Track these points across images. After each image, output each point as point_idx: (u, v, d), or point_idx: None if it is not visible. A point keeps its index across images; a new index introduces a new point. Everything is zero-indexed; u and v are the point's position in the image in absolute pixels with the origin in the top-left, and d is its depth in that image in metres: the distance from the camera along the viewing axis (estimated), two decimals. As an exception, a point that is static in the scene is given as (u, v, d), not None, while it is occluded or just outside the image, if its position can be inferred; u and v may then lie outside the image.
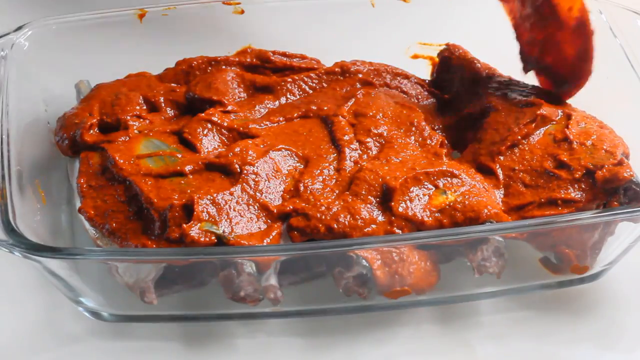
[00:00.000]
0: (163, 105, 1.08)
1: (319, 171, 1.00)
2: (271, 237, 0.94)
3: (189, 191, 0.95)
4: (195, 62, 1.12)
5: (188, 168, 0.98)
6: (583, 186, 0.99)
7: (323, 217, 0.94)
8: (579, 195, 0.98)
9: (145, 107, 1.08)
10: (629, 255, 1.01)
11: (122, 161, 0.99)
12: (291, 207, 0.96)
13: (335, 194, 0.97)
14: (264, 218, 0.96)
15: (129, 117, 1.05)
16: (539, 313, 1.00)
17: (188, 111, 1.08)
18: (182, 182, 0.97)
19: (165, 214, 0.94)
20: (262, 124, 1.05)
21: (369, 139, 1.03)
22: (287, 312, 0.98)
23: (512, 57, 1.11)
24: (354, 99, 1.08)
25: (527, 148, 1.02)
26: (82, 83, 1.12)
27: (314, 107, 1.07)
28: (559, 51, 1.07)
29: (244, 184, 0.97)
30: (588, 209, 0.98)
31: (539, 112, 1.04)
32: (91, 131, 1.04)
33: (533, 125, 1.03)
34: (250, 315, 0.98)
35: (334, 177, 0.99)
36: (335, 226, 0.94)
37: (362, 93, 1.09)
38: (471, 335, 0.98)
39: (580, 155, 1.00)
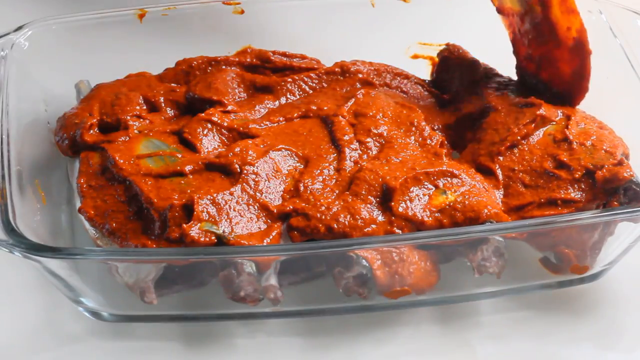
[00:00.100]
0: (163, 105, 1.08)
1: (319, 171, 1.00)
2: (271, 237, 0.94)
3: (189, 191, 0.95)
4: (195, 62, 1.12)
5: (188, 168, 0.98)
6: (583, 186, 0.99)
7: (323, 217, 0.94)
8: (579, 196, 0.98)
9: (145, 107, 1.08)
10: (629, 255, 1.01)
11: (122, 161, 0.99)
12: (291, 207, 0.96)
13: (335, 194, 0.97)
14: (264, 218, 0.96)
15: (129, 117, 1.05)
16: (539, 313, 1.00)
17: (188, 111, 1.08)
18: (182, 182, 0.97)
19: (165, 214, 0.94)
20: (262, 124, 1.05)
21: (369, 139, 1.03)
22: (287, 312, 0.98)
23: (512, 58, 1.11)
24: (354, 99, 1.08)
25: (526, 148, 1.02)
26: (82, 83, 1.12)
27: (314, 107, 1.07)
28: (555, 68, 1.07)
29: (244, 184, 0.97)
30: (588, 209, 0.98)
31: (538, 112, 1.04)
32: (91, 131, 1.04)
33: (533, 125, 1.03)
34: (250, 315, 0.98)
35: (334, 177, 0.99)
36: (335, 226, 0.94)
37: (362, 93, 1.09)
38: (471, 335, 0.98)
39: (580, 155, 1.00)
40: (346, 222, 0.94)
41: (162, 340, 0.97)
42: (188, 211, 0.93)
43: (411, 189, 0.97)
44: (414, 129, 1.05)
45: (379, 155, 1.02)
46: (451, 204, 0.96)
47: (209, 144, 1.03)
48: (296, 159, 1.01)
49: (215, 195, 0.95)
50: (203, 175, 0.98)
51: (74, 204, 1.01)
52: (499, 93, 1.08)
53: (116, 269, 0.94)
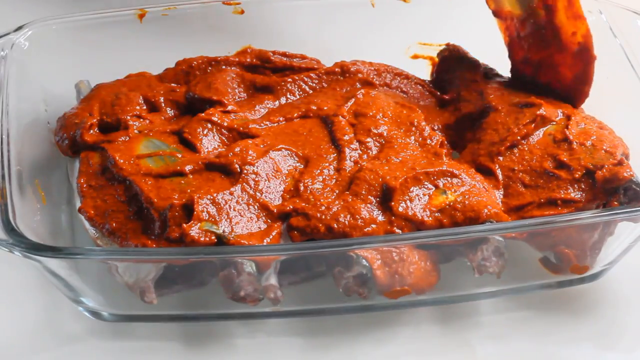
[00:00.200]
0: (163, 105, 1.08)
1: (319, 171, 1.00)
2: (271, 236, 0.94)
3: (189, 191, 0.95)
4: (195, 62, 1.12)
5: (188, 168, 0.98)
6: (583, 186, 0.99)
7: (323, 217, 0.94)
8: (579, 196, 0.98)
9: (145, 107, 1.08)
10: (629, 255, 1.00)
11: (122, 161, 0.99)
12: (291, 207, 0.96)
13: (335, 193, 0.97)
14: (264, 218, 0.96)
15: (129, 117, 1.05)
16: (539, 313, 1.00)
17: (188, 111, 1.08)
18: (182, 182, 0.97)
19: (165, 213, 0.94)
20: (262, 124, 1.05)
21: (369, 139, 1.03)
22: (287, 312, 0.98)
23: (512, 57, 1.11)
24: (354, 99, 1.08)
25: (526, 148, 1.02)
26: (82, 83, 1.12)
27: (314, 107, 1.07)
28: (555, 72, 1.07)
29: (244, 183, 0.97)
30: (588, 209, 0.98)
31: (538, 112, 1.04)
32: (91, 131, 1.04)
33: (533, 125, 1.03)
34: (250, 315, 0.98)
35: (334, 177, 0.99)
36: (335, 226, 0.94)
37: (362, 93, 1.09)
38: (471, 335, 0.98)
39: (580, 155, 1.00)
40: (346, 222, 0.94)
41: (162, 340, 0.97)
42: (188, 211, 0.93)
43: (411, 189, 0.97)
44: (414, 129, 1.05)
45: (379, 155, 1.02)
46: (451, 203, 0.96)
47: (209, 144, 1.03)
48: (296, 158, 1.01)
49: (215, 195, 0.95)
50: (203, 175, 0.98)
51: (74, 204, 1.01)
52: (499, 93, 1.08)
53: (116, 268, 0.94)
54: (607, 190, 0.98)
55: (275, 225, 0.95)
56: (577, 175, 0.99)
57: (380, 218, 0.95)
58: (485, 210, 0.95)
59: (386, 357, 0.97)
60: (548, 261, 1.01)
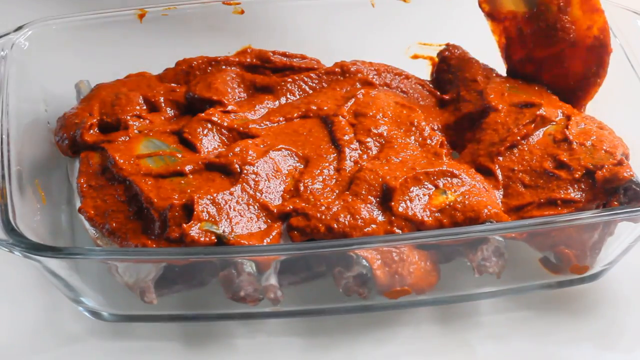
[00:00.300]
0: (163, 105, 1.08)
1: (319, 171, 1.00)
2: (271, 237, 0.94)
3: (189, 191, 0.95)
4: (195, 62, 1.12)
5: (188, 168, 0.98)
6: (583, 186, 0.99)
7: (323, 217, 0.94)
8: (579, 196, 0.98)
9: (145, 107, 1.08)
10: (629, 255, 1.00)
11: (122, 161, 0.99)
12: (291, 207, 0.96)
13: (335, 193, 0.97)
14: (264, 218, 0.96)
15: (129, 117, 1.05)
16: (539, 313, 1.00)
17: (188, 111, 1.08)
18: (182, 182, 0.97)
19: (165, 213, 0.94)
20: (262, 124, 1.05)
21: (369, 139, 1.03)
22: (287, 312, 0.98)
23: (512, 57, 1.11)
24: (354, 99, 1.08)
25: (526, 148, 1.02)
26: (82, 83, 1.12)
27: (314, 107, 1.07)
28: (563, 69, 1.07)
29: (244, 183, 0.97)
30: (588, 209, 0.98)
31: (538, 112, 1.04)
32: (91, 131, 1.04)
33: (532, 125, 1.03)
34: (250, 315, 0.97)
35: (334, 177, 0.99)
36: (335, 226, 0.94)
37: (362, 93, 1.09)
38: (471, 335, 0.98)
39: (580, 155, 1.00)
40: (346, 222, 0.94)
41: (162, 340, 0.97)
42: (188, 211, 0.93)
43: (411, 189, 0.97)
44: (414, 129, 1.05)
45: (379, 155, 1.02)
46: (451, 203, 0.96)
47: (209, 144, 1.03)
48: (296, 158, 1.01)
49: (215, 195, 0.95)
50: (203, 175, 0.98)
51: (74, 204, 1.01)
52: (499, 93, 1.08)
53: (116, 268, 0.94)
54: (607, 190, 0.98)
55: (275, 226, 0.95)
56: (577, 176, 0.99)
57: (380, 218, 0.95)
58: (485, 210, 0.95)
59: (386, 357, 0.97)
60: (548, 261, 1.01)
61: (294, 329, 0.98)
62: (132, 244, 0.94)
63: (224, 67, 1.12)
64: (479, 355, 0.97)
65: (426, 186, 0.98)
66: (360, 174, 0.98)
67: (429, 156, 1.02)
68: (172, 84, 1.11)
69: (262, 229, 0.95)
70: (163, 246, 0.92)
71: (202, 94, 1.08)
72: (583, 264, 0.99)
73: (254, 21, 1.19)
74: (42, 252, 0.90)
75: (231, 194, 0.96)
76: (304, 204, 0.96)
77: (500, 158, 1.02)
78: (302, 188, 0.98)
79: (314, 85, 1.11)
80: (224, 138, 1.03)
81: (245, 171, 0.98)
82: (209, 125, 1.04)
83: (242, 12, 1.18)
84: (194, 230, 0.92)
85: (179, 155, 1.01)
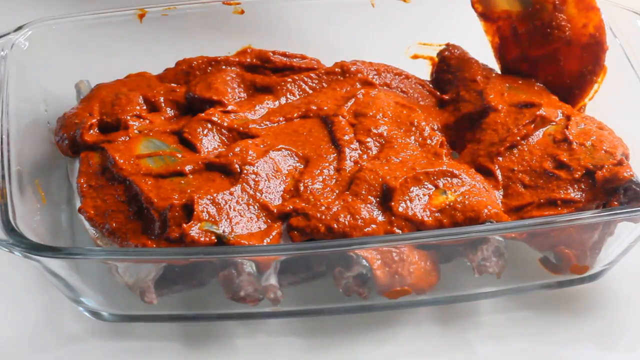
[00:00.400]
0: (163, 105, 1.08)
1: (319, 171, 1.00)
2: (271, 237, 0.94)
3: (189, 191, 0.95)
4: (195, 62, 1.12)
5: (188, 168, 0.98)
6: (583, 186, 0.99)
7: (323, 217, 0.94)
8: (579, 196, 0.98)
9: (145, 107, 1.08)
10: (629, 255, 1.00)
11: (122, 161, 0.99)
12: (291, 207, 0.96)
13: (335, 193, 0.97)
14: (264, 218, 0.96)
15: (129, 117, 1.05)
16: (539, 313, 1.00)
17: (188, 111, 1.08)
18: (182, 182, 0.97)
19: (165, 213, 0.94)
20: (262, 124, 1.05)
21: (369, 139, 1.03)
22: (287, 312, 0.98)
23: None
24: (354, 99, 1.08)
25: (526, 149, 1.02)
26: (82, 83, 1.12)
27: (314, 107, 1.07)
28: (558, 67, 1.07)
29: (244, 184, 0.97)
30: (588, 209, 0.98)
31: (538, 112, 1.04)
32: (91, 131, 1.04)
33: (532, 126, 1.03)
34: (250, 315, 0.97)
35: (334, 177, 0.99)
36: (335, 226, 0.94)
37: (362, 93, 1.09)
38: (471, 335, 0.98)
39: (580, 155, 1.00)
40: (346, 222, 0.94)
41: (162, 340, 0.97)
42: (188, 211, 0.93)
43: (411, 189, 0.97)
44: (414, 129, 1.05)
45: (379, 155, 1.02)
46: (451, 203, 0.96)
47: (209, 144, 1.03)
48: (296, 158, 1.01)
49: (215, 195, 0.95)
50: (203, 175, 0.98)
51: (74, 204, 1.01)
52: (499, 93, 1.08)
53: (116, 268, 0.94)
54: (607, 190, 0.98)
55: (275, 226, 0.95)
56: (577, 176, 0.99)
57: (380, 218, 0.95)
58: (485, 211, 0.95)
59: (386, 357, 0.97)
60: (548, 261, 1.01)
61: (294, 329, 0.98)
62: (132, 244, 0.94)
63: (224, 67, 1.12)
64: (479, 355, 0.97)
65: (426, 186, 0.98)
66: (360, 174, 0.98)
67: (429, 156, 1.02)
68: (172, 84, 1.11)
69: (262, 229, 0.95)
70: (163, 246, 0.92)
71: (202, 94, 1.08)
72: (583, 264, 0.99)
73: (254, 21, 1.19)
74: (42, 252, 0.90)
75: (231, 194, 0.96)
76: (304, 204, 0.96)
77: (500, 158, 1.02)
78: (302, 188, 0.98)
79: (314, 85, 1.11)
80: (224, 138, 1.03)
81: (245, 171, 0.98)
82: (209, 125, 1.04)
83: (242, 12, 1.18)
84: (194, 230, 0.92)
85: (179, 155, 1.01)
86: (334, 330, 0.98)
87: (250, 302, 0.94)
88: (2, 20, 1.19)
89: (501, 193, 1.00)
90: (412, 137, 1.04)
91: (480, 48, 1.14)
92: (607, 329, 0.99)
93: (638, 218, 0.96)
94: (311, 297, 0.98)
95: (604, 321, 1.00)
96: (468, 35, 1.15)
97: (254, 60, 1.13)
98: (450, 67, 1.14)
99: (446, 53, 1.15)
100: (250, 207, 0.96)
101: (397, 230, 0.95)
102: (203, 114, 1.04)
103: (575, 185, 0.99)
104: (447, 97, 1.12)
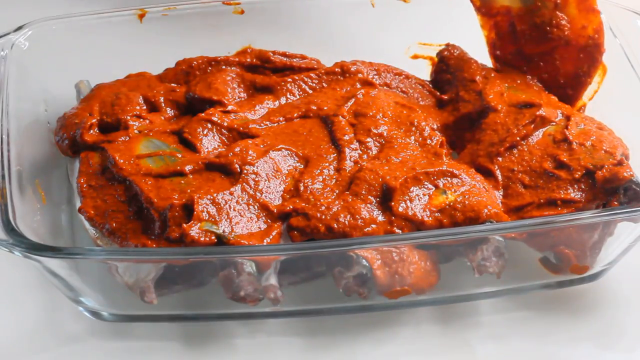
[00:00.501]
0: (163, 105, 1.08)
1: (319, 171, 1.00)
2: (271, 237, 0.94)
3: (189, 191, 0.95)
4: (195, 62, 1.12)
5: (188, 168, 0.98)
6: (583, 186, 0.99)
7: (323, 217, 0.94)
8: (579, 196, 0.98)
9: (145, 107, 1.08)
10: (629, 255, 1.00)
11: (122, 161, 0.99)
12: (291, 207, 0.96)
13: (335, 193, 0.97)
14: (264, 218, 0.96)
15: (129, 117, 1.05)
16: (539, 313, 1.00)
17: (188, 111, 1.08)
18: (182, 182, 0.97)
19: (165, 213, 0.94)
20: (262, 124, 1.05)
21: (369, 139, 1.03)
22: (287, 312, 0.98)
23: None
24: (354, 99, 1.08)
25: (526, 149, 1.02)
26: (82, 83, 1.12)
27: (314, 107, 1.07)
28: (553, 67, 1.07)
29: (244, 183, 0.97)
30: (588, 209, 0.98)
31: (538, 113, 1.04)
32: (91, 131, 1.04)
33: (532, 126, 1.03)
34: (250, 315, 0.97)
35: (334, 177, 0.99)
36: (335, 226, 0.94)
37: (362, 93, 1.09)
38: (471, 335, 0.98)
39: (580, 155, 1.00)
40: (346, 222, 0.94)
41: (162, 340, 0.97)
42: (188, 211, 0.93)
43: (411, 189, 0.97)
44: (414, 129, 1.05)
45: (379, 155, 1.02)
46: (451, 203, 0.96)
47: (209, 144, 1.03)
48: (296, 158, 1.01)
49: (215, 195, 0.95)
50: (203, 175, 0.98)
51: (74, 203, 1.01)
52: (498, 93, 1.08)
53: (116, 268, 0.94)
54: (607, 190, 0.98)
55: (275, 225, 0.95)
56: (577, 176, 0.99)
57: (380, 218, 0.95)
58: (485, 211, 0.95)
59: (386, 357, 0.97)
60: (548, 261, 1.01)
61: (294, 329, 0.98)
62: (132, 244, 0.94)
63: (224, 67, 1.12)
64: (479, 355, 0.97)
65: (426, 186, 0.98)
66: (360, 174, 0.98)
67: (429, 156, 1.02)
68: (172, 84, 1.11)
69: (262, 229, 0.95)
70: (163, 246, 0.92)
71: (202, 94, 1.08)
72: (583, 264, 0.99)
73: (254, 21, 1.19)
74: (42, 252, 0.90)
75: (231, 194, 0.96)
76: (304, 204, 0.96)
77: (500, 158, 1.02)
78: (302, 188, 0.98)
79: (314, 85, 1.11)
80: (224, 138, 1.03)
81: (245, 171, 0.98)
82: (209, 125, 1.04)
83: (242, 12, 1.18)
84: (194, 230, 0.92)
85: (179, 155, 1.01)
86: (334, 330, 0.98)
87: (250, 302, 0.94)
88: (2, 20, 1.19)
89: (501, 193, 1.00)
90: (412, 137, 1.04)
91: (480, 48, 1.14)
92: (607, 329, 0.99)
93: (638, 218, 0.96)
94: (311, 297, 0.98)
95: (604, 321, 1.00)
96: (468, 36, 1.15)
97: (254, 60, 1.13)
98: (449, 67, 1.14)
99: (445, 53, 1.15)
100: (250, 207, 0.96)
101: (397, 230, 0.95)
102: (203, 114, 1.04)
103: (575, 185, 0.99)
104: (446, 97, 1.12)
